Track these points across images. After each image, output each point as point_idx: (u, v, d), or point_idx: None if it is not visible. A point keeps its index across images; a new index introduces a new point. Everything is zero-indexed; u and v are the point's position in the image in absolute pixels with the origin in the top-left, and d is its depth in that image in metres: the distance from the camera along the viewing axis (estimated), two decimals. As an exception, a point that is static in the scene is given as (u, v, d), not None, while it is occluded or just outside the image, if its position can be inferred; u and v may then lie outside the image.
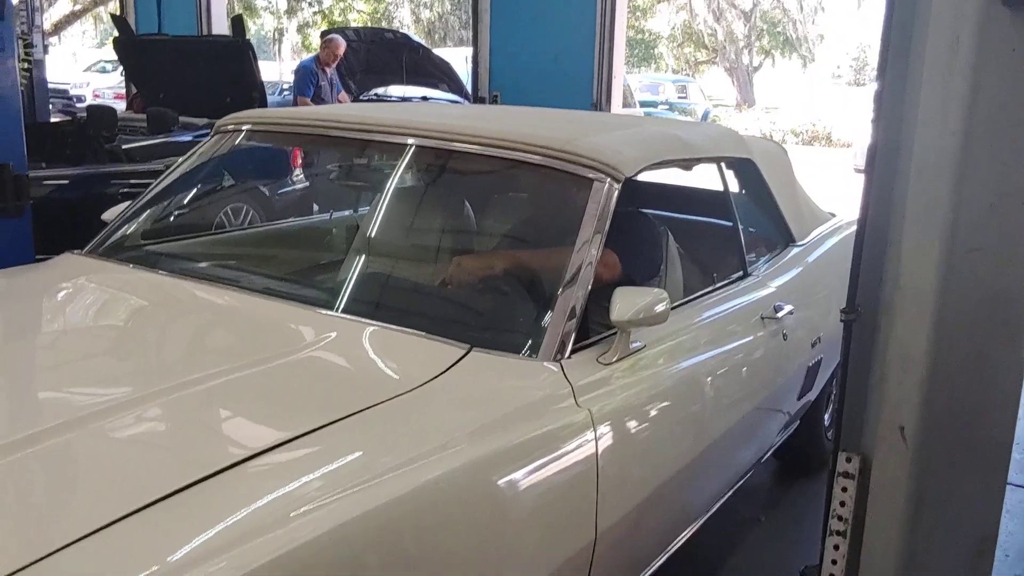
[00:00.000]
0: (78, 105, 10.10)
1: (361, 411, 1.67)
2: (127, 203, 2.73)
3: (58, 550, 1.19)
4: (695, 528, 2.66)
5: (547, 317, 2.06)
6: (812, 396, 3.39)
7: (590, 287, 2.12)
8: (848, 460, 1.68)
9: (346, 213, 3.37)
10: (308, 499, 1.38)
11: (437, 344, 1.96)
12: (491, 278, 2.30)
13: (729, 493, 2.88)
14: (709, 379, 2.46)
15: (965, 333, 1.55)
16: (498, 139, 2.35)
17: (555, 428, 1.84)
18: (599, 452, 1.90)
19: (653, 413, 2.16)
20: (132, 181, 5.89)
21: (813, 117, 21.25)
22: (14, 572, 1.15)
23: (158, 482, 1.37)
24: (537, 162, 2.31)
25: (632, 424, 2.08)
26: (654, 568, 2.42)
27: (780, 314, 2.83)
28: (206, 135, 7.23)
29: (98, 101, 12.56)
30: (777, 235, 3.28)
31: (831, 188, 10.43)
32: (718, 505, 2.80)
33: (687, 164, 2.74)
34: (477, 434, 1.70)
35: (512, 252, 2.43)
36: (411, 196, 2.63)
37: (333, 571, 1.33)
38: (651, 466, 2.14)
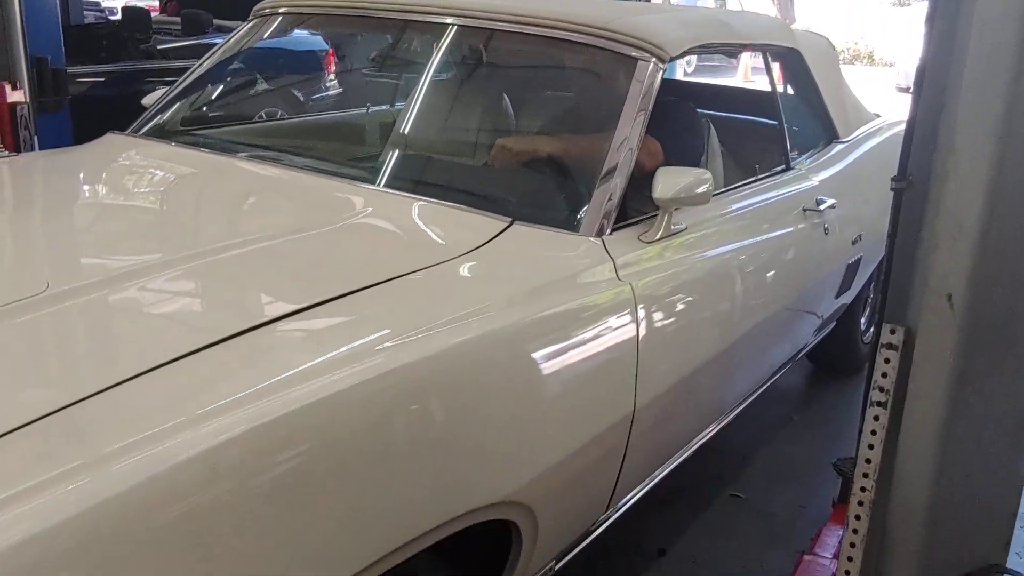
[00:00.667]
0: (111, 18, 10.01)
1: (398, 277, 1.66)
2: (166, 88, 2.72)
3: (91, 396, 1.19)
4: (728, 419, 2.68)
5: (589, 193, 2.05)
6: (849, 298, 3.37)
7: (632, 170, 2.09)
8: (892, 332, 1.66)
9: (384, 107, 3.34)
10: (337, 356, 1.36)
11: (478, 216, 1.96)
12: (534, 160, 2.28)
13: (762, 388, 2.89)
14: (749, 267, 2.44)
15: (1020, 200, 1.51)
16: (541, 18, 2.30)
17: (596, 300, 1.84)
18: (639, 326, 1.90)
19: (693, 294, 2.15)
20: (167, 78, 5.88)
21: (855, 36, 20.65)
22: (47, 414, 1.15)
23: (191, 336, 1.36)
24: (580, 41, 2.26)
25: (672, 303, 2.07)
26: (686, 454, 2.44)
27: (822, 207, 2.80)
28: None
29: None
30: (821, 131, 3.21)
31: (874, 106, 10.21)
32: (751, 399, 2.82)
33: (731, 50, 2.68)
34: (513, 301, 1.69)
35: (556, 136, 2.40)
36: (452, 79, 2.60)
37: (358, 428, 1.31)
38: (690, 347, 2.14)
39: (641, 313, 1.91)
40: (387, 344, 1.43)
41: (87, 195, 2.19)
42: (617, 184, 2.04)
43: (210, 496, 1.13)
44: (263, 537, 1.19)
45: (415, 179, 2.25)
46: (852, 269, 3.18)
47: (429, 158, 2.39)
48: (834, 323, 3.41)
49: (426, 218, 1.99)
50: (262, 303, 1.62)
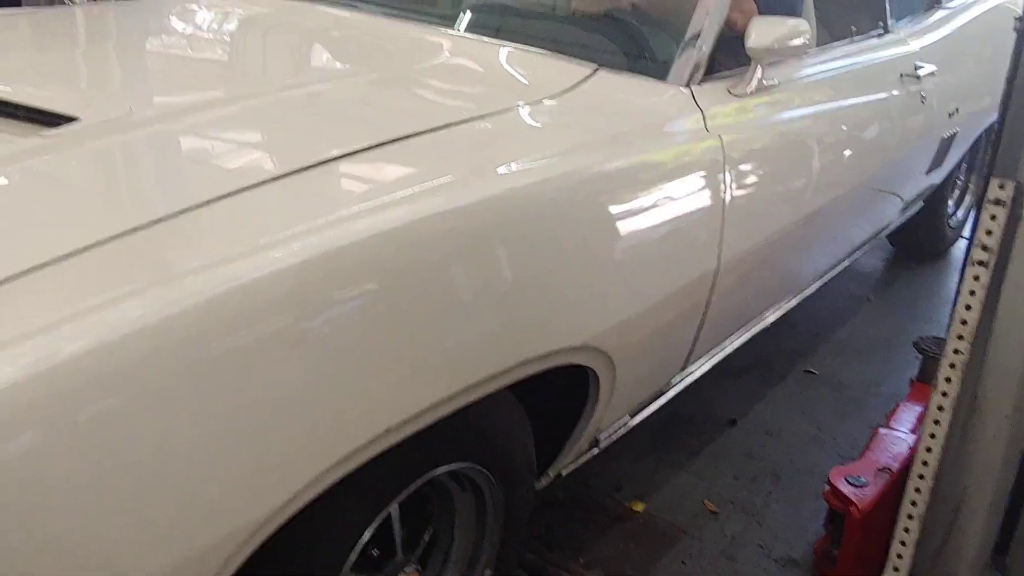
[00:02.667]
0: None
1: (476, 118, 1.59)
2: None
3: (160, 220, 1.14)
4: (806, 294, 2.61)
5: (678, 41, 1.94)
6: (939, 177, 3.22)
7: (724, 18, 1.97)
8: (1001, 186, 1.56)
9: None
10: (402, 193, 1.28)
11: (564, 62, 1.87)
12: (619, 7, 2.17)
13: (842, 266, 2.80)
14: (841, 131, 2.31)
15: None
16: None
17: (684, 150, 1.76)
18: (727, 180, 1.81)
19: (783, 152, 2.05)
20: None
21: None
22: (117, 235, 1.10)
23: (254, 170, 1.31)
24: None
25: (761, 161, 1.98)
26: (763, 324, 2.39)
27: (921, 73, 2.64)
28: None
29: None
30: (923, -6, 3.01)
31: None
32: (830, 276, 2.73)
33: None
34: (597, 144, 1.61)
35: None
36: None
37: (427, 262, 1.24)
38: (776, 209, 2.06)
39: (729, 167, 1.82)
40: (458, 182, 1.35)
41: (162, 36, 2.15)
42: (709, 32, 1.93)
43: (273, 324, 1.07)
44: (327, 367, 1.13)
45: (497, 26, 2.16)
46: (946, 144, 3.02)
47: (511, 5, 2.29)
48: (921, 203, 3.27)
49: (508, 62, 1.91)
50: (329, 141, 1.55)
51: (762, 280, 2.18)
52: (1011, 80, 1.57)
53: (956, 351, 1.66)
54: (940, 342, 2.56)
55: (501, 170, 1.41)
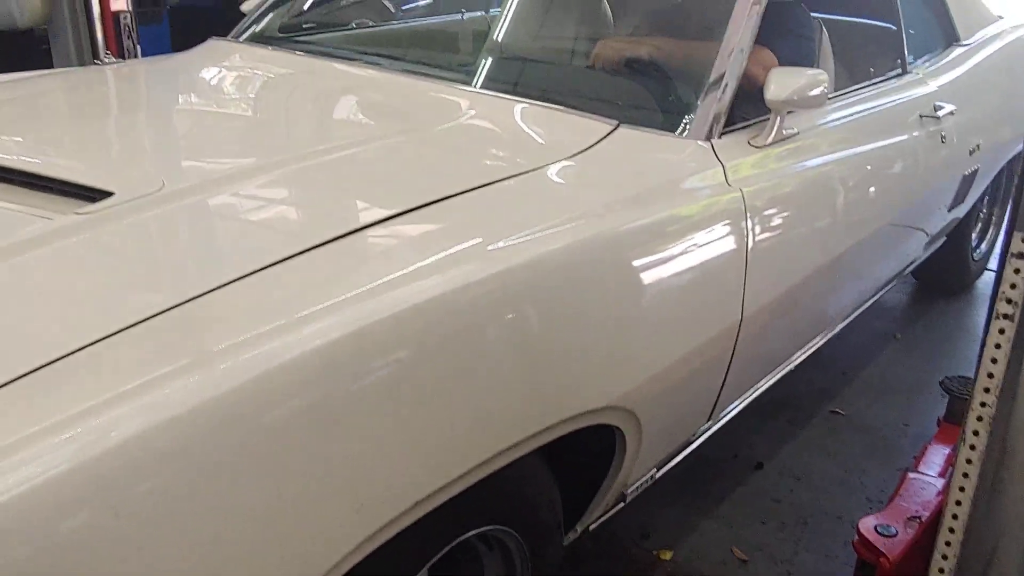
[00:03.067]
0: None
1: (499, 181, 1.61)
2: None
3: (196, 297, 1.18)
4: (831, 334, 2.60)
5: (698, 95, 1.96)
6: (962, 212, 3.21)
7: (743, 75, 1.99)
8: None
9: (479, 13, 3.26)
10: (438, 260, 1.32)
11: (584, 119, 1.90)
12: (639, 58, 2.19)
13: (868, 303, 2.80)
14: (862, 175, 2.32)
15: None
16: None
17: (705, 205, 1.78)
18: (749, 233, 1.83)
19: (804, 201, 2.06)
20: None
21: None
22: (166, 309, 1.15)
23: (290, 240, 1.34)
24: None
25: (783, 210, 1.99)
26: (790, 367, 2.39)
27: (940, 113, 2.64)
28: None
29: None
30: (940, 32, 3.02)
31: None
32: (856, 314, 2.73)
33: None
34: (620, 205, 1.63)
35: (662, 35, 2.30)
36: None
37: (459, 331, 1.27)
38: (799, 256, 2.06)
39: (752, 220, 1.84)
40: (489, 248, 1.38)
41: (191, 99, 2.20)
42: (728, 85, 1.95)
43: (309, 400, 1.10)
44: (362, 440, 1.16)
45: (515, 81, 2.19)
46: (968, 181, 3.02)
47: (529, 60, 2.32)
48: (944, 238, 3.27)
49: (528, 120, 1.94)
50: (358, 208, 1.59)
51: (787, 327, 2.19)
52: None
53: (983, 404, 1.65)
54: (967, 381, 2.55)
55: (528, 235, 1.44)
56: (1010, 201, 1.65)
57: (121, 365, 1.06)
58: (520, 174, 1.66)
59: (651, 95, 2.09)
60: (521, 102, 1.98)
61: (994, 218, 3.77)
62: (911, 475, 2.27)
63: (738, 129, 2.00)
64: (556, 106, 1.95)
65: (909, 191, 2.59)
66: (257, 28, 2.58)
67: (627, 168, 1.79)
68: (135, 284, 1.26)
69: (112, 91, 2.20)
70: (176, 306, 1.16)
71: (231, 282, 1.21)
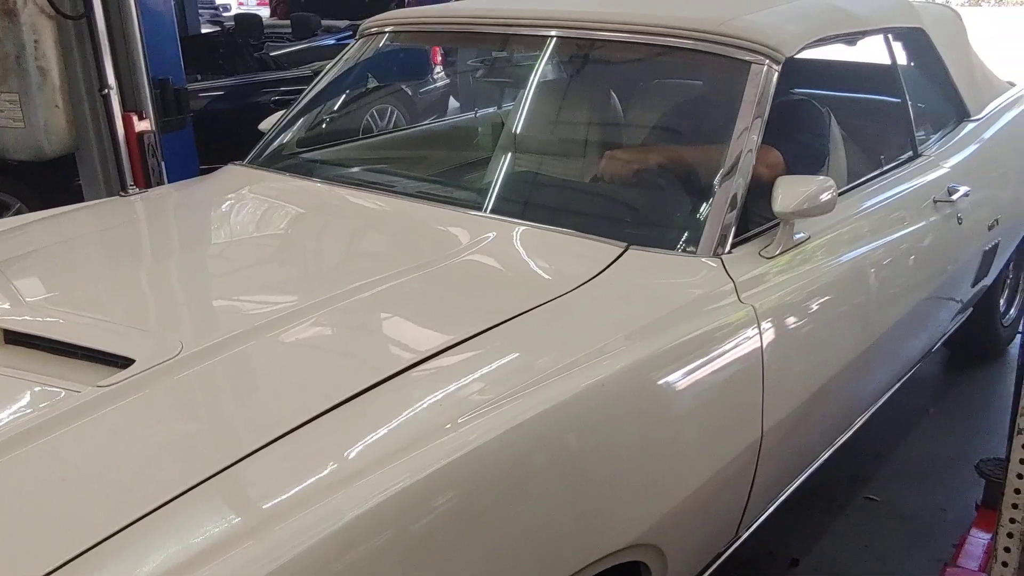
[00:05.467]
0: (224, 15, 10.32)
1: (520, 315, 1.65)
2: (281, 113, 2.77)
3: (243, 458, 1.25)
4: (861, 422, 2.58)
5: (706, 210, 1.98)
6: (988, 282, 3.18)
7: (750, 178, 2.01)
8: None
9: (491, 110, 3.33)
10: (476, 403, 1.38)
11: (593, 243, 1.92)
12: (645, 171, 2.22)
13: (896, 386, 2.77)
14: (877, 269, 2.32)
15: None
16: (644, 24, 2.23)
17: (718, 326, 1.78)
18: (764, 349, 1.83)
19: (819, 307, 2.06)
20: (282, 88, 6.05)
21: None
22: (203, 480, 1.21)
23: (332, 389, 1.40)
24: (688, 47, 2.18)
25: (797, 319, 1.99)
26: (820, 461, 2.36)
27: (955, 196, 2.64)
28: (348, 37, 7.23)
29: (243, 9, 12.83)
30: (950, 110, 3.03)
31: (1003, 52, 9.59)
32: (884, 398, 2.70)
33: (852, 38, 2.54)
34: (637, 334, 1.66)
35: (667, 146, 2.34)
36: (557, 90, 2.56)
37: (501, 475, 1.34)
38: (817, 362, 2.06)
39: (765, 335, 1.84)
40: (521, 391, 1.43)
41: (209, 239, 2.24)
42: (735, 197, 1.97)
43: (365, 552, 1.17)
44: None
45: (524, 201, 2.23)
46: (989, 255, 3.00)
47: (537, 178, 2.36)
48: (971, 308, 3.24)
49: (540, 248, 1.96)
50: (390, 351, 1.64)
51: (811, 431, 2.18)
52: None
53: (1012, 520, 1.63)
54: (1001, 463, 2.50)
55: (552, 378, 1.48)
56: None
57: (176, 536, 1.12)
58: (533, 309, 1.68)
59: (659, 211, 2.12)
60: (532, 227, 2.01)
61: (1021, 283, 3.73)
62: (950, 570, 2.24)
63: (750, 238, 2.01)
64: (565, 230, 1.97)
65: (929, 276, 2.58)
66: (272, 148, 2.65)
67: (638, 294, 1.80)
68: (161, 462, 1.30)
69: (132, 235, 2.26)
70: (202, 482, 1.21)
71: (263, 447, 1.28)
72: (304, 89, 2.86)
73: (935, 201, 2.59)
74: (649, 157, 2.27)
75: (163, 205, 2.47)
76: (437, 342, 1.55)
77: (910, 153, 2.71)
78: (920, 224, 2.52)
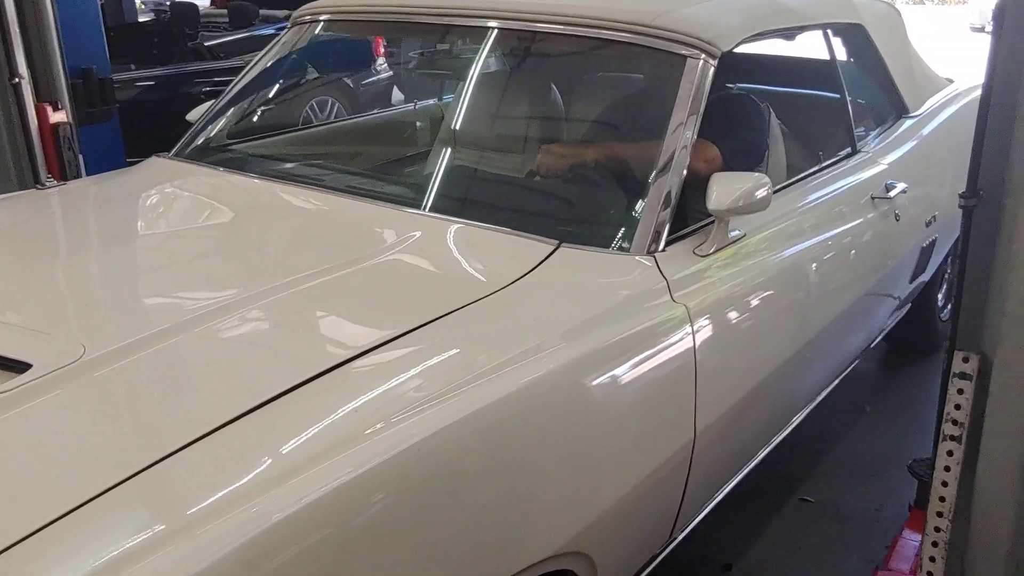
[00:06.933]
0: (168, 3, 10.11)
1: (452, 312, 1.62)
2: (210, 103, 2.69)
3: (171, 453, 1.22)
4: (799, 420, 2.59)
5: (639, 208, 1.96)
6: (926, 277, 3.22)
7: (685, 175, 2.00)
8: (965, 360, 1.55)
9: (431, 102, 3.28)
10: (409, 401, 1.36)
11: (524, 241, 1.89)
12: (580, 167, 2.20)
13: (835, 383, 2.78)
14: (814, 266, 2.33)
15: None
16: (582, 17, 2.21)
17: (650, 326, 1.76)
18: (696, 348, 1.82)
19: (754, 305, 2.06)
20: (215, 79, 5.93)
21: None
22: (128, 477, 1.17)
23: (263, 384, 1.36)
24: (625, 40, 2.16)
25: (732, 317, 1.98)
26: (756, 461, 2.36)
27: (892, 193, 2.66)
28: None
29: (181, -2, 12.54)
30: (889, 106, 3.06)
31: (944, 51, 9.78)
32: (823, 396, 2.71)
33: (789, 33, 2.54)
34: (569, 335, 1.63)
35: (603, 141, 2.31)
36: (495, 84, 2.52)
37: (434, 474, 1.32)
38: (752, 360, 2.06)
39: (698, 335, 1.83)
40: (454, 390, 1.41)
41: (136, 234, 2.16)
42: (669, 195, 1.95)
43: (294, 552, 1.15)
44: None
45: (459, 197, 2.19)
46: (927, 251, 3.03)
47: (474, 172, 2.33)
48: (910, 304, 3.27)
49: (471, 245, 1.93)
50: (324, 346, 1.60)
51: (747, 430, 2.17)
52: (963, 255, 1.57)
53: (937, 529, 1.63)
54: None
55: (483, 378, 1.45)
56: (950, 321, 1.65)
57: (99, 535, 1.09)
58: (463, 307, 1.65)
59: (592, 208, 2.09)
60: (464, 224, 1.97)
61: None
62: (880, 574, 2.24)
63: (685, 235, 2.00)
64: (498, 228, 1.93)
65: (867, 273, 2.60)
66: (201, 140, 2.57)
67: (568, 293, 1.78)
68: (70, 466, 1.25)
69: (44, 231, 2.18)
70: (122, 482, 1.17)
71: (199, 438, 1.24)
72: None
73: (873, 198, 2.61)
74: (584, 152, 2.24)
75: (80, 199, 2.39)
76: (369, 338, 1.52)
77: (848, 149, 2.73)
78: (858, 221, 2.54)
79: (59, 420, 1.34)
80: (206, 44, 6.41)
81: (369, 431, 1.29)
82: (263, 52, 2.75)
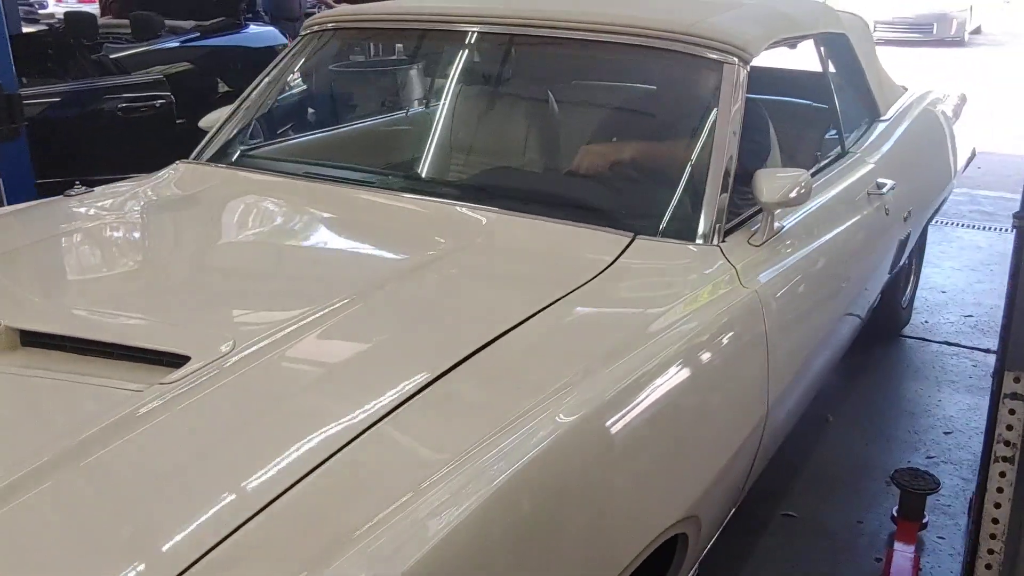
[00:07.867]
0: (40, 11, 9.80)
1: (545, 308, 1.79)
2: (221, 108, 2.80)
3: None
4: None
5: (700, 201, 2.19)
6: (896, 269, 3.58)
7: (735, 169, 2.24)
8: (1016, 380, 1.64)
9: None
10: (518, 417, 1.47)
11: (601, 233, 2.10)
12: (620, 164, 2.42)
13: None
14: (839, 254, 2.65)
15: None
16: (616, 24, 2.44)
17: (728, 309, 1.99)
18: (768, 329, 2.07)
19: (802, 289, 2.35)
20: (128, 95, 5.77)
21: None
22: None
23: (416, 371, 1.52)
24: (661, 47, 2.40)
25: (789, 301, 2.25)
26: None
27: (884, 190, 2.99)
28: (196, 39, 7.00)
29: (64, 6, 12.15)
30: (865, 110, 3.41)
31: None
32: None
33: (795, 42, 2.85)
34: (665, 324, 1.84)
35: (640, 142, 2.55)
36: (531, 89, 2.72)
37: (601, 449, 1.52)
38: (802, 338, 2.35)
39: (767, 316, 2.08)
40: (571, 391, 1.56)
41: (187, 242, 2.29)
42: (727, 188, 2.20)
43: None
44: None
45: (529, 192, 2.38)
46: (903, 244, 3.39)
47: (542, 171, 2.52)
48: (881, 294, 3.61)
49: (547, 238, 2.13)
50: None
51: (794, 405, 2.44)
52: (1015, 275, 1.69)
53: (991, 551, 1.74)
54: (918, 475, 2.76)
55: (599, 374, 1.63)
56: (999, 340, 1.77)
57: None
58: (556, 301, 1.83)
59: (654, 202, 2.30)
60: (537, 220, 2.17)
61: (912, 268, 4.20)
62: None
63: (734, 229, 2.25)
64: (572, 222, 2.14)
65: (868, 263, 2.94)
66: (223, 145, 2.67)
67: (655, 282, 2.00)
68: (234, 466, 1.35)
69: (130, 233, 2.28)
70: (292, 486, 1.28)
71: (340, 448, 1.35)
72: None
73: (868, 194, 2.94)
74: (623, 152, 2.47)
75: (117, 204, 2.46)
76: (515, 316, 1.71)
77: (839, 150, 3.05)
78: (859, 216, 2.86)
79: (241, 406, 1.47)
80: (112, 57, 6.30)
81: (486, 448, 1.39)
82: (276, 60, 2.87)
